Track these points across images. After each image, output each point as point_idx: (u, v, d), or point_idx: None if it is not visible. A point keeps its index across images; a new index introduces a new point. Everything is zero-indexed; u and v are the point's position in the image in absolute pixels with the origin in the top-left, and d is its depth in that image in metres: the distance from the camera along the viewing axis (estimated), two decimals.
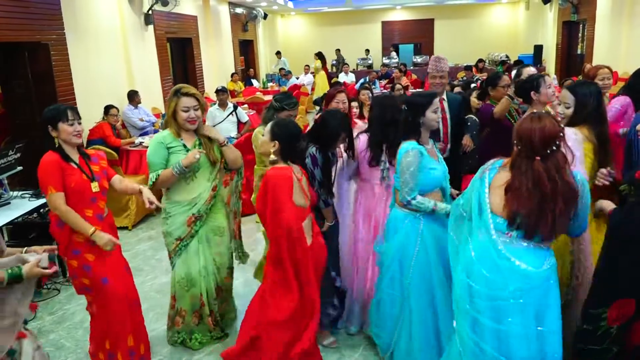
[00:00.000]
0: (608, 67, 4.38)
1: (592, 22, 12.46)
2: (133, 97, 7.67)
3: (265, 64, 18.14)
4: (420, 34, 20.53)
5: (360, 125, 4.11)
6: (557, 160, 2.09)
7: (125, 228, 5.78)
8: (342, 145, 3.26)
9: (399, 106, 3.07)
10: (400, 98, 3.77)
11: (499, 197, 2.18)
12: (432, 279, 2.81)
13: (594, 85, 2.91)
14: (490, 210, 2.20)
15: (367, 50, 19.15)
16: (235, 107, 7.61)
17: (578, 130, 2.75)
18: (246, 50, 16.24)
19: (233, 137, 7.29)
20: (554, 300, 2.19)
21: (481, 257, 2.22)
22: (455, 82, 10.61)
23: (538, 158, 2.10)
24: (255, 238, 5.44)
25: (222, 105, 7.55)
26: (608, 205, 2.29)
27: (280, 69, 15.65)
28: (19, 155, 4.61)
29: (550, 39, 15.64)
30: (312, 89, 14.21)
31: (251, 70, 15.30)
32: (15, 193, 4.49)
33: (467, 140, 4.29)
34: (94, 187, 2.85)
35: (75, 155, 2.85)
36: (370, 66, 18.26)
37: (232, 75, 13.17)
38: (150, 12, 9.02)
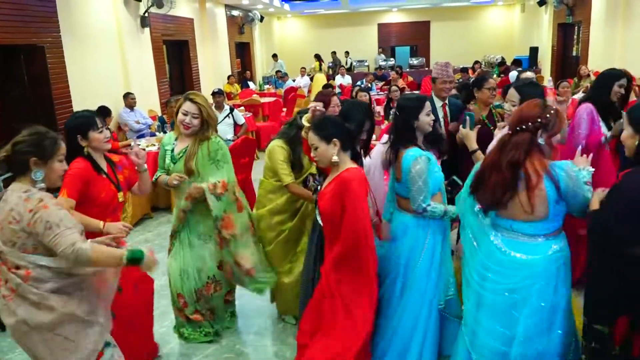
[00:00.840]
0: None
1: (587, 24, 12.52)
2: (126, 98, 7.66)
3: (262, 66, 18.15)
4: (416, 36, 20.58)
5: None
6: (523, 138, 2.26)
7: None
8: None
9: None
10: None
11: None
12: (428, 284, 2.84)
13: (540, 89, 3.18)
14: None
15: (347, 52, 19.18)
16: (231, 110, 7.62)
17: None
18: (242, 52, 16.25)
19: (229, 140, 7.29)
20: (563, 282, 2.35)
21: (488, 255, 2.41)
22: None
23: (510, 132, 2.32)
24: None
25: (219, 107, 7.55)
26: (594, 204, 2.30)
27: (277, 72, 15.66)
28: None
29: (545, 41, 15.71)
30: (309, 92, 14.22)
31: (247, 72, 15.30)
32: None
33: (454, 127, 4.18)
34: (120, 197, 2.87)
35: (103, 163, 2.86)
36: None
37: (228, 77, 13.17)
38: (146, 14, 9.02)
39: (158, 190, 6.09)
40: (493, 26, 20.31)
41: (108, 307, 2.36)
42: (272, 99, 11.57)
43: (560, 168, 2.26)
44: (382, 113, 6.86)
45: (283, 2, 16.22)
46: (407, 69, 17.33)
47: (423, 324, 2.84)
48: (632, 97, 4.28)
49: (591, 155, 2.61)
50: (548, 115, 2.29)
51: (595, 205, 2.26)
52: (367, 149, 3.14)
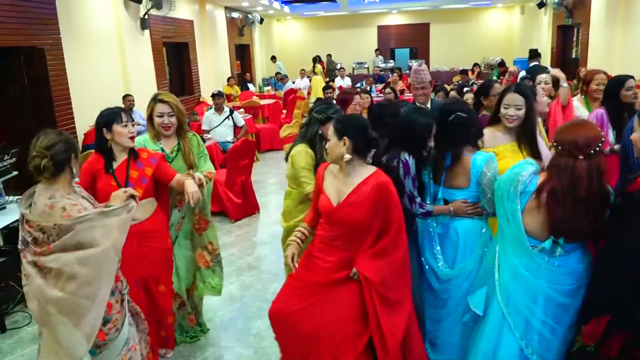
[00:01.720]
0: (604, 73, 4.40)
1: (587, 26, 12.53)
2: (124, 100, 7.65)
3: (262, 68, 18.17)
4: (416, 38, 20.60)
5: None
6: (599, 163, 2.11)
7: None
8: None
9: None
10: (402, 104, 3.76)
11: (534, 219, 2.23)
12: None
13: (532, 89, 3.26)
14: (526, 233, 2.25)
15: (329, 55, 19.17)
16: (231, 112, 7.63)
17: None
18: (242, 54, 16.27)
19: (229, 142, 7.30)
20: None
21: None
22: (451, 87, 10.64)
23: (581, 157, 2.10)
24: (252, 242, 5.44)
25: (219, 109, 7.57)
26: None
27: (277, 73, 15.67)
28: (14, 160, 4.59)
29: (545, 43, 15.73)
30: (309, 93, 14.23)
31: (247, 74, 15.32)
32: (10, 198, 4.47)
33: None
34: None
35: (122, 157, 2.91)
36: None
37: (228, 79, 13.19)
38: (146, 16, 9.03)
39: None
40: (492, 28, 20.33)
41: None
42: (271, 101, 11.58)
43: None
44: None
45: (283, 4, 16.24)
46: (407, 71, 17.34)
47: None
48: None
49: None
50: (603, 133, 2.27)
51: None
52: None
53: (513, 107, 2.95)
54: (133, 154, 2.94)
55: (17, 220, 4.19)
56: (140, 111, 7.90)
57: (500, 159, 2.74)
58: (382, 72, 15.58)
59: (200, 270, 3.47)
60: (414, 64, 4.34)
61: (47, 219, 2.17)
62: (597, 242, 2.27)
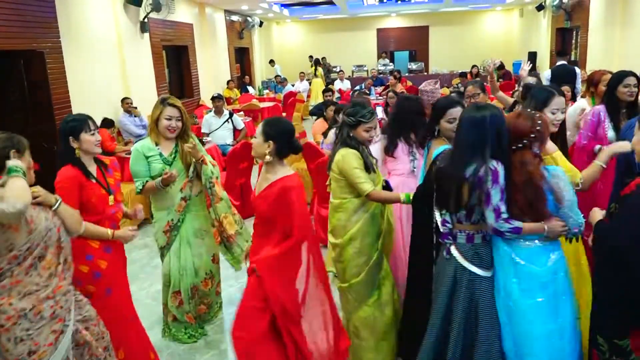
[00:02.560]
0: (610, 73, 4.36)
1: (585, 29, 12.57)
2: (122, 102, 7.65)
3: (261, 71, 18.19)
4: (415, 40, 20.63)
5: None
6: (523, 156, 2.30)
7: None
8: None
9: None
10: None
11: None
12: None
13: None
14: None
15: (324, 57, 19.18)
16: (231, 115, 7.64)
17: None
18: (242, 57, 16.29)
19: (229, 144, 7.31)
20: (566, 293, 2.32)
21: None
22: (450, 89, 10.65)
23: (514, 148, 2.32)
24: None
25: (218, 112, 7.57)
26: (594, 219, 2.31)
27: (276, 76, 15.69)
28: None
29: (544, 46, 15.77)
30: (308, 96, 14.25)
31: (247, 77, 15.34)
32: None
33: None
34: (110, 200, 2.87)
35: (92, 167, 2.85)
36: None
37: (227, 82, 13.20)
38: (146, 20, 9.05)
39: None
40: (491, 31, 20.37)
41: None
42: (271, 104, 11.60)
43: (557, 177, 2.29)
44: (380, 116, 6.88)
45: (282, 8, 16.26)
46: (406, 74, 17.36)
47: None
48: None
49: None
50: (539, 128, 2.30)
51: (596, 216, 2.28)
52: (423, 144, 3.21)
53: (560, 111, 2.94)
54: (99, 162, 2.92)
55: None
56: (143, 115, 7.89)
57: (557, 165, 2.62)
58: (380, 75, 15.62)
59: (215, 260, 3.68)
60: (428, 85, 4.36)
61: None
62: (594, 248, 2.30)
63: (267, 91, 15.00)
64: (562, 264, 2.36)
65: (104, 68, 7.79)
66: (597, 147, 3.63)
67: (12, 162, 2.12)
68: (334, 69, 17.31)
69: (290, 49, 20.66)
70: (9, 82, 6.16)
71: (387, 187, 3.16)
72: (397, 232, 3.43)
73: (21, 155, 2.23)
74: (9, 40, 5.75)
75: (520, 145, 2.30)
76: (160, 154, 3.37)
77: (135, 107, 7.68)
